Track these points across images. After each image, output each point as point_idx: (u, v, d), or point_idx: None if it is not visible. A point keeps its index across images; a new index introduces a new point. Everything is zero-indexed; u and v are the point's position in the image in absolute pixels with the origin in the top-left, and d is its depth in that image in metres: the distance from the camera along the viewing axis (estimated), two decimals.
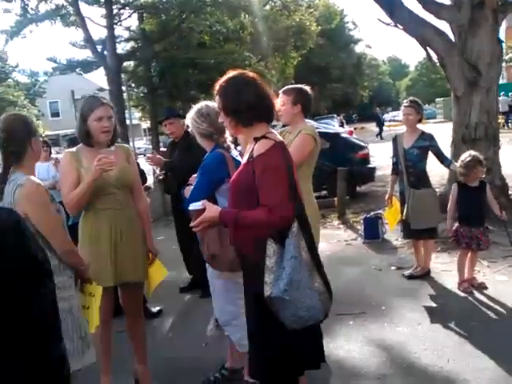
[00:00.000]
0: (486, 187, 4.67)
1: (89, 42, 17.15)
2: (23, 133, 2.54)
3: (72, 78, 25.07)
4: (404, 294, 4.78)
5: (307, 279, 2.18)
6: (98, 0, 17.39)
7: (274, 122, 4.13)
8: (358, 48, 57.35)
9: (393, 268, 5.56)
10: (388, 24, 8.10)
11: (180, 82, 20.06)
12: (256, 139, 2.30)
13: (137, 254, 3.11)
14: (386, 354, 3.62)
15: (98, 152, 2.89)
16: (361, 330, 4.03)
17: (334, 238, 7.11)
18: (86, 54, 20.36)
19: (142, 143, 37.28)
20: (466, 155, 4.66)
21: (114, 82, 16.89)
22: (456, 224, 4.70)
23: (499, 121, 10.44)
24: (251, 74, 2.45)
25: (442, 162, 5.14)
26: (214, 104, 2.85)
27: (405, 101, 5.31)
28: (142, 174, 4.71)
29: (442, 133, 10.51)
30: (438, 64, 8.17)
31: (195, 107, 3.21)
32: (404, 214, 5.07)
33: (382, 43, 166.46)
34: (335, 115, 35.96)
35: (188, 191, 3.06)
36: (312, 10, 28.88)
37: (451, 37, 7.74)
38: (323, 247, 5.96)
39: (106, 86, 18.12)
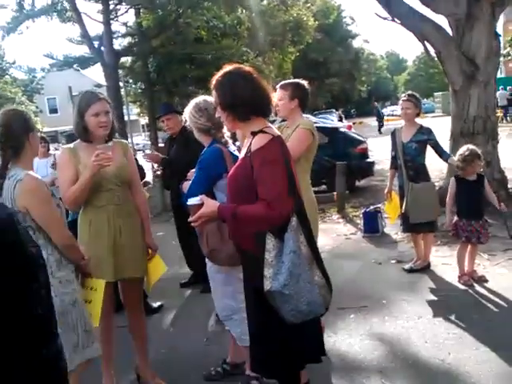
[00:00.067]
0: (483, 181, 4.67)
1: (85, 37, 17.05)
2: (21, 128, 2.54)
3: (69, 74, 24.94)
4: (404, 287, 4.78)
5: (307, 273, 2.17)
6: None
7: (273, 117, 4.12)
8: (356, 43, 57.19)
9: (393, 262, 5.56)
10: (385, 18, 8.09)
11: (177, 78, 20.00)
12: (253, 133, 2.29)
13: (136, 250, 3.11)
14: (387, 348, 3.63)
15: (95, 148, 2.88)
16: (362, 324, 4.03)
17: (334, 233, 7.12)
18: (83, 50, 20.34)
19: (140, 139, 37.14)
20: (464, 149, 4.66)
21: (111, 77, 16.82)
22: (455, 218, 4.71)
23: (498, 114, 10.44)
24: (247, 69, 2.43)
25: (440, 156, 5.13)
26: (211, 99, 2.83)
27: (403, 95, 5.30)
28: (141, 169, 4.70)
29: (441, 127, 10.50)
30: (435, 58, 8.16)
31: (193, 102, 3.19)
32: (403, 207, 5.08)
33: (380, 38, 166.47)
34: (334, 110, 35.94)
35: (186, 186, 3.05)
36: (309, 4, 28.88)
37: (449, 31, 7.73)
38: (323, 242, 5.96)
39: (103, 82, 18.04)
